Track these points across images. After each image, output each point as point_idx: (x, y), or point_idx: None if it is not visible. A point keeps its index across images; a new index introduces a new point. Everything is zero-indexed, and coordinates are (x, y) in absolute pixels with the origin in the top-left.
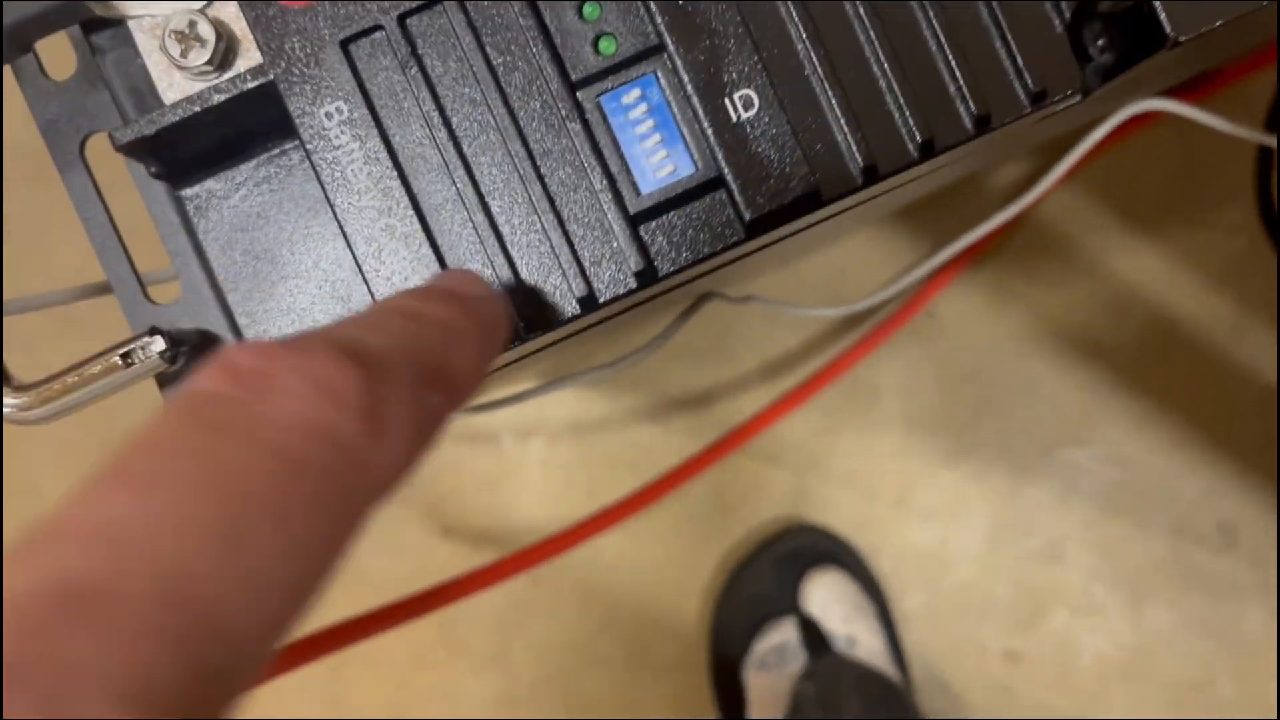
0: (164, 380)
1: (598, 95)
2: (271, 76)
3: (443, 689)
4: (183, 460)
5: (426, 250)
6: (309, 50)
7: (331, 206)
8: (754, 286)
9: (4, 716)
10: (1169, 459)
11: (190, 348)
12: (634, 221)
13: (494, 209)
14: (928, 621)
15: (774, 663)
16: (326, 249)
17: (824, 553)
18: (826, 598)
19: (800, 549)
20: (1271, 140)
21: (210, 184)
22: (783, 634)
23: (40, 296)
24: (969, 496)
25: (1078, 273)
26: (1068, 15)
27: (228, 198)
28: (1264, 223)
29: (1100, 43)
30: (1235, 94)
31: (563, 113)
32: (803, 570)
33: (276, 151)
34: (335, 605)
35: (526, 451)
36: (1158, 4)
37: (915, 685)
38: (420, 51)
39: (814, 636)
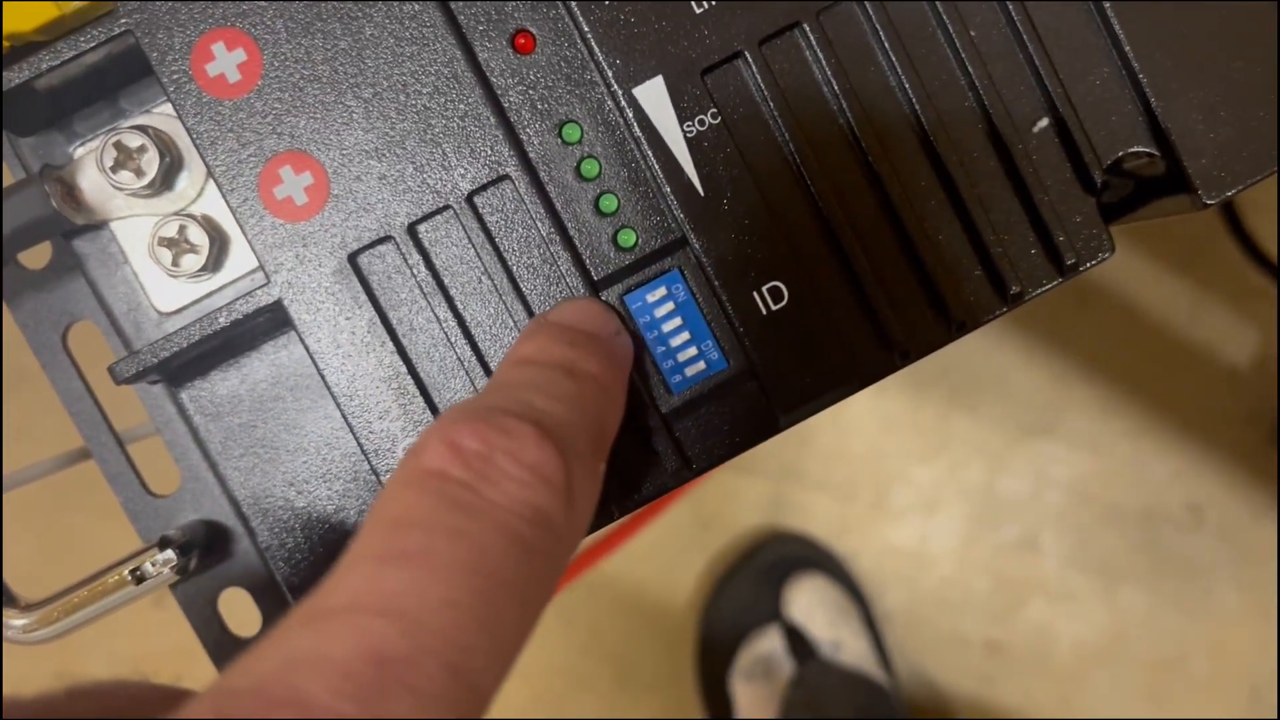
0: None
1: (622, 294)
2: (276, 297)
3: None
4: (441, 540)
5: None
6: (315, 267)
7: (352, 431)
8: None
9: None
10: (1136, 443)
11: (199, 549)
12: (667, 421)
13: None
14: (910, 619)
15: (761, 672)
16: (335, 438)
17: (804, 559)
18: (810, 604)
19: (781, 557)
20: None
21: (210, 381)
22: (768, 643)
23: (14, 474)
24: (944, 493)
25: None
26: (1099, 181)
27: (228, 393)
28: (1222, 211)
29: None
30: None
31: None
32: (784, 578)
33: (276, 343)
34: None
35: None
36: (1189, 170)
37: (901, 683)
38: (434, 260)
39: (799, 643)
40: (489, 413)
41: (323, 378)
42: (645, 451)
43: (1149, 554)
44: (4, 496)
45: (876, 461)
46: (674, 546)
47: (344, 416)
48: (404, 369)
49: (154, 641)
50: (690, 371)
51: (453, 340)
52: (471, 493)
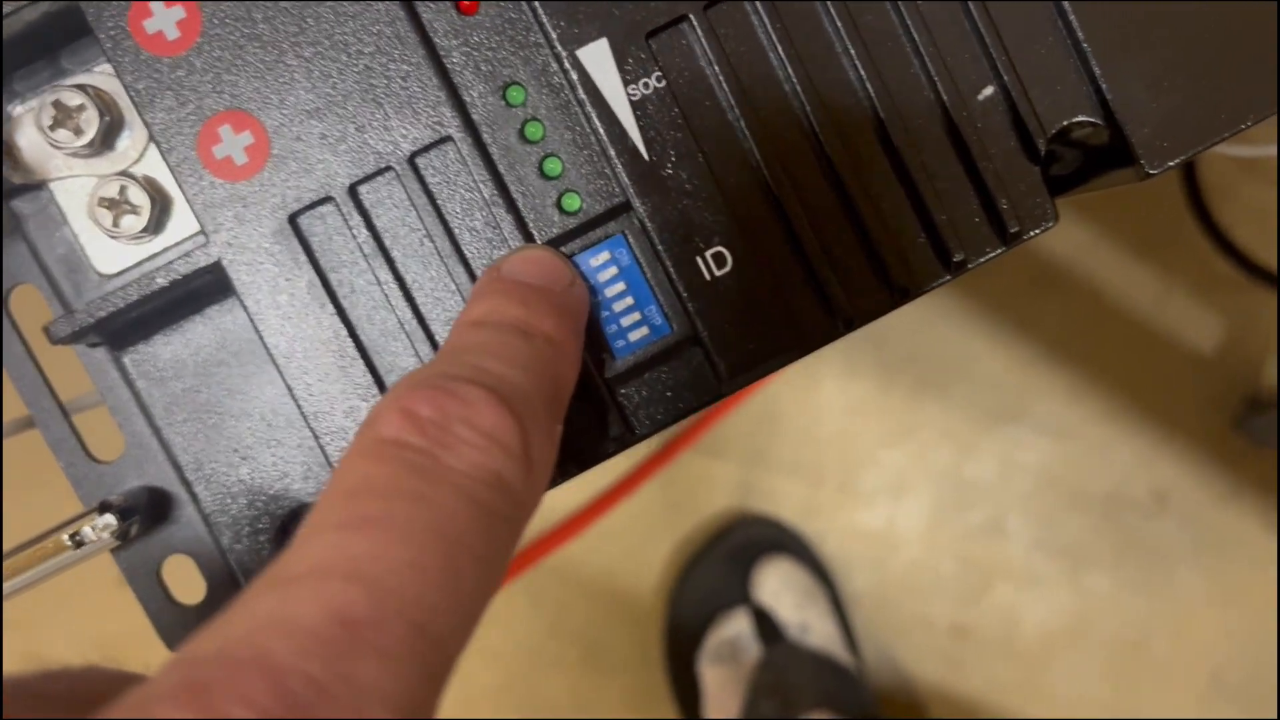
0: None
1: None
2: (216, 257)
3: None
4: (401, 505)
5: None
6: (255, 227)
7: (292, 394)
8: None
9: None
10: (1102, 429)
11: (142, 515)
12: (610, 387)
13: None
14: (877, 602)
15: (728, 655)
16: (280, 404)
17: (772, 542)
18: (777, 587)
19: (749, 540)
20: None
21: (153, 345)
22: (736, 626)
23: None
24: (911, 477)
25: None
26: (1043, 150)
27: (172, 357)
28: (1189, 198)
29: (1058, 151)
30: None
31: None
32: (752, 561)
33: (220, 306)
34: None
35: None
36: (1132, 139)
37: (867, 666)
38: (375, 222)
39: (767, 626)
40: (444, 380)
41: (262, 340)
42: (588, 416)
43: (1113, 538)
44: None
45: (844, 445)
46: (642, 529)
47: (283, 379)
48: (344, 331)
49: (118, 621)
50: (634, 336)
51: (393, 303)
52: (429, 459)
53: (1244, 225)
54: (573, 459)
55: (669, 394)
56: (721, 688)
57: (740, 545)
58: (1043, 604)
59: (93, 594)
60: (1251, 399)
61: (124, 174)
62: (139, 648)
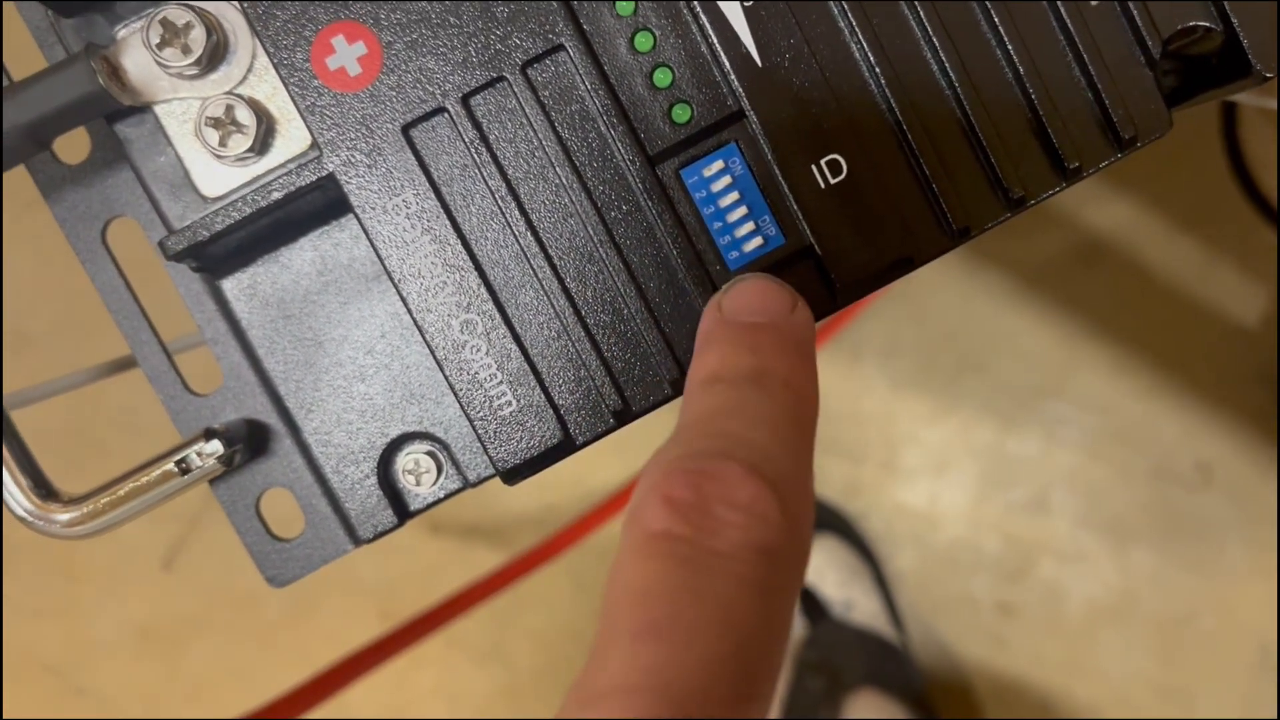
0: (216, 481)
1: (678, 169)
2: (330, 170)
3: (443, 685)
4: (685, 604)
5: (510, 344)
6: (369, 139)
7: (406, 304)
8: None
9: None
10: (1146, 403)
11: (244, 445)
12: None
13: (575, 295)
14: (921, 579)
15: None
16: (381, 330)
17: (815, 520)
18: (821, 564)
19: None
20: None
21: (253, 271)
22: None
23: (55, 382)
24: (954, 453)
25: (1048, 223)
26: (1156, 53)
27: (272, 284)
28: (1232, 169)
29: (1165, 66)
30: None
31: (642, 189)
32: None
33: (320, 232)
34: (330, 615)
35: None
36: (1247, 43)
37: (912, 643)
38: (487, 133)
39: (811, 603)
40: (695, 459)
41: (376, 252)
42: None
43: (1158, 513)
44: (33, 408)
45: (887, 422)
46: None
47: (399, 293)
48: (458, 243)
49: (163, 606)
50: (748, 247)
51: (507, 213)
52: (698, 549)
53: None
54: (685, 375)
55: None
56: None
57: None
58: (1088, 580)
59: (137, 579)
60: None
61: (230, 94)
62: (180, 633)
